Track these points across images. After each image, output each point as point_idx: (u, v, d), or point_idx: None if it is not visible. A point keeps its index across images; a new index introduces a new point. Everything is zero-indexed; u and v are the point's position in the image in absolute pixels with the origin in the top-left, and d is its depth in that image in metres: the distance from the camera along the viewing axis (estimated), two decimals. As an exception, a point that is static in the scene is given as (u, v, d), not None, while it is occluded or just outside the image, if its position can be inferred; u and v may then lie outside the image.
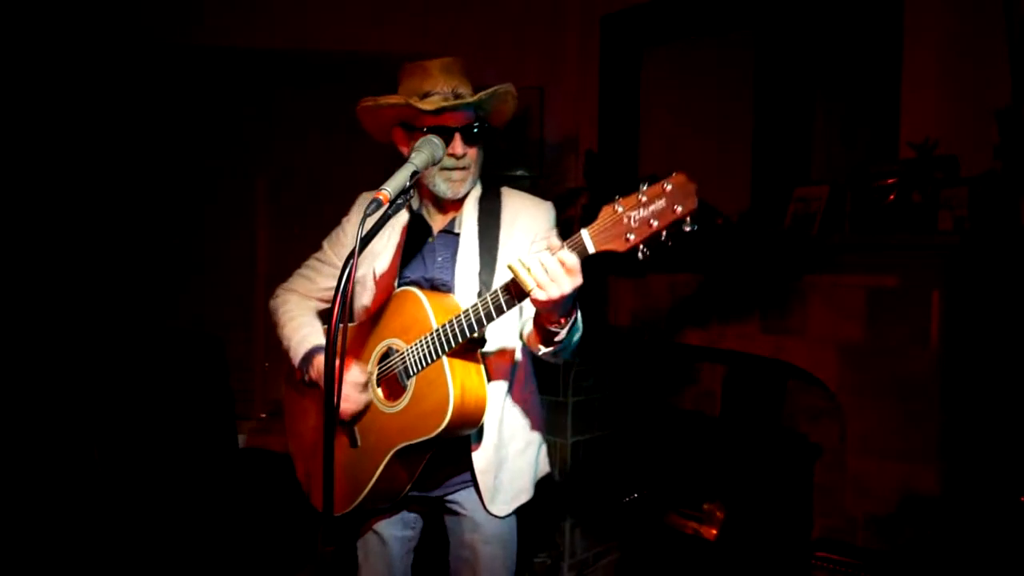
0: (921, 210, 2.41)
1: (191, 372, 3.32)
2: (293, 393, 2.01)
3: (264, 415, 3.92)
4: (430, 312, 1.71)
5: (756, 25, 3.14)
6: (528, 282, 1.44)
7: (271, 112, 3.89)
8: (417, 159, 1.55)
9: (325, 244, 2.01)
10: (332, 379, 1.34)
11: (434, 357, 1.68)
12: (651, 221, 1.36)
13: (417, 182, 1.72)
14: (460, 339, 1.64)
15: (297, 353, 1.89)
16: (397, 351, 1.77)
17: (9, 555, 2.64)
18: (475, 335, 1.64)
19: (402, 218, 1.90)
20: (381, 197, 1.44)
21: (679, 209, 1.33)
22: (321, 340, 1.89)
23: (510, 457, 1.88)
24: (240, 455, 3.42)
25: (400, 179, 1.49)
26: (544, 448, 2.01)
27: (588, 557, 3.25)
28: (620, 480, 3.23)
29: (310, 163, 3.90)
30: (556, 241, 1.48)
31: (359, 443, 1.81)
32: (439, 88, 1.77)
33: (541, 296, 1.44)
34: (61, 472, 2.85)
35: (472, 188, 1.88)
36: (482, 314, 1.60)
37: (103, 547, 2.71)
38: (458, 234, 1.87)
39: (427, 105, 1.74)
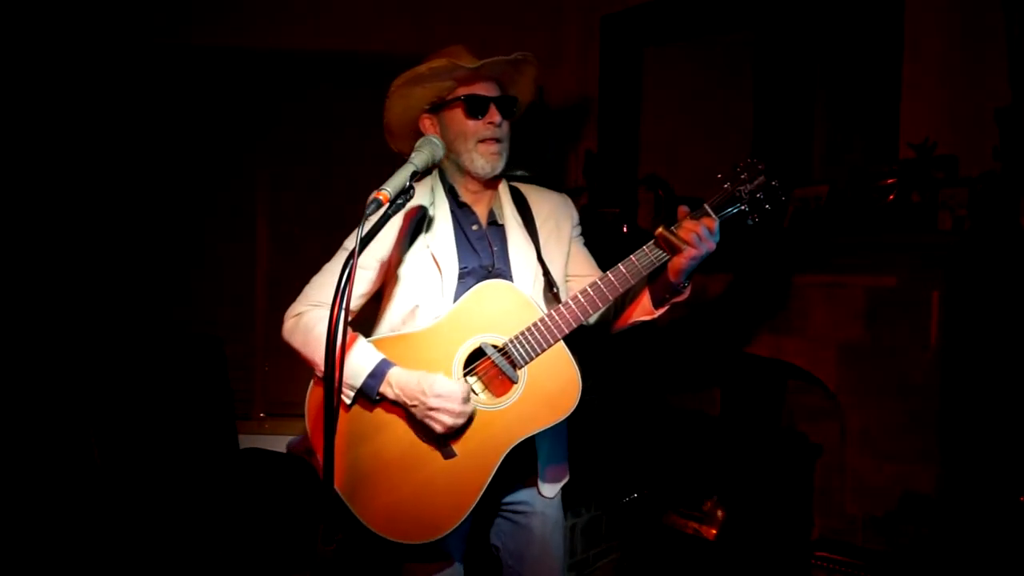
0: (921, 210, 2.41)
1: (191, 372, 3.32)
2: (346, 418, 1.73)
3: (263, 415, 3.93)
4: (531, 300, 1.73)
5: (757, 25, 3.14)
6: (682, 244, 1.64)
7: (271, 112, 3.89)
8: (417, 159, 1.56)
9: (348, 245, 1.84)
10: (332, 380, 1.35)
11: (552, 341, 1.70)
12: (757, 193, 1.67)
13: (442, 172, 1.87)
14: (584, 316, 1.71)
15: (358, 371, 1.68)
16: (496, 346, 1.71)
17: (9, 555, 2.64)
18: (590, 317, 1.74)
19: (444, 207, 1.85)
20: (381, 197, 1.44)
21: (775, 181, 1.67)
22: (379, 353, 1.71)
23: (550, 437, 1.85)
24: (240, 455, 3.41)
25: (400, 179, 1.49)
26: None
27: (588, 557, 3.25)
28: (620, 480, 3.23)
29: (310, 163, 3.90)
30: (685, 210, 1.69)
31: (456, 452, 1.70)
32: (468, 60, 1.78)
33: (691, 254, 1.64)
34: (60, 472, 2.85)
35: (501, 172, 1.86)
36: (616, 284, 1.70)
37: (103, 547, 2.71)
38: (502, 225, 1.87)
39: (469, 63, 1.75)
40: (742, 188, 1.66)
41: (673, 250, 1.66)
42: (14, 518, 2.71)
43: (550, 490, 1.89)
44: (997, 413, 2.31)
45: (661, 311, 1.80)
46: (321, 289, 1.77)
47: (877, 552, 2.46)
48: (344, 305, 1.34)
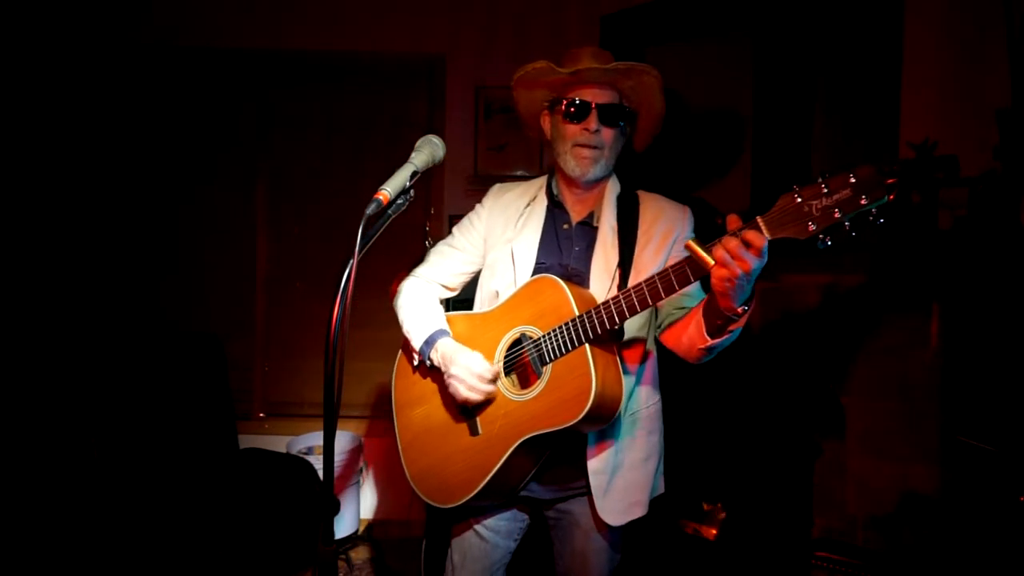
0: (921, 210, 2.41)
1: (190, 372, 3.32)
2: (408, 379, 1.97)
3: (263, 415, 3.93)
4: (571, 298, 1.68)
5: (757, 24, 3.14)
6: (709, 258, 1.41)
7: (271, 112, 3.89)
8: (417, 159, 1.55)
9: (455, 230, 2.01)
10: (332, 380, 1.34)
11: (576, 343, 1.65)
12: (834, 211, 1.34)
13: (554, 170, 1.92)
14: (610, 324, 1.62)
15: (420, 336, 1.86)
16: (531, 337, 1.74)
17: (9, 554, 2.64)
18: (618, 326, 1.65)
19: (542, 204, 1.91)
20: (381, 197, 1.44)
21: (864, 200, 1.33)
22: (443, 324, 1.87)
23: (627, 464, 1.81)
24: (240, 455, 3.42)
25: (400, 179, 1.49)
26: (662, 464, 1.92)
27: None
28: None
29: (310, 163, 3.90)
30: (734, 219, 1.45)
31: (480, 432, 1.77)
32: (585, 64, 1.78)
33: (721, 274, 1.41)
34: (60, 472, 2.85)
35: (605, 175, 1.86)
36: (647, 293, 1.57)
37: (103, 547, 2.71)
38: (596, 227, 1.85)
39: (564, 68, 1.77)
40: (815, 203, 1.35)
41: (698, 271, 1.46)
42: (15, 518, 2.71)
43: (612, 517, 1.81)
44: (997, 413, 2.31)
45: (716, 341, 1.58)
46: (425, 265, 2.01)
47: (877, 552, 2.46)
48: (343, 305, 1.34)
